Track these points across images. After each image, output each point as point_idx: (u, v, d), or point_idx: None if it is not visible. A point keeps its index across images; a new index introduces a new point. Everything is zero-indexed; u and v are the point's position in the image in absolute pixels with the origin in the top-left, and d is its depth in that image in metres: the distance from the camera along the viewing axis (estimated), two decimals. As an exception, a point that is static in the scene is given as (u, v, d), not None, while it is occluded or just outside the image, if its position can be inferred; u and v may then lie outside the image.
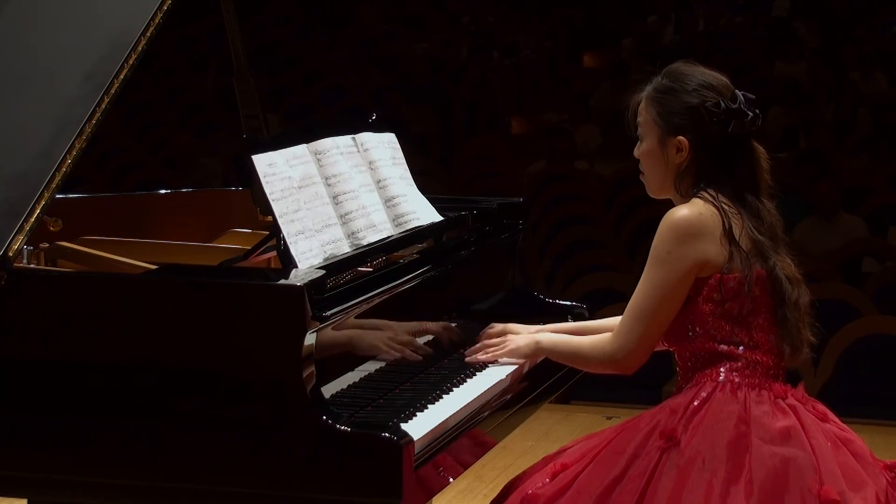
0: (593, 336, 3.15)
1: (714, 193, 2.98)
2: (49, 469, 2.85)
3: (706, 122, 2.99)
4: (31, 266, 3.39)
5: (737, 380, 2.93)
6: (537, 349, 3.24)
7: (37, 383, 2.85)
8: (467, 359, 3.30)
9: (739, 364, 2.94)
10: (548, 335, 3.27)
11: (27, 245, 3.18)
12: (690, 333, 2.97)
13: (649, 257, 2.97)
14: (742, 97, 3.03)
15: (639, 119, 3.10)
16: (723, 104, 3.00)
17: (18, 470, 2.88)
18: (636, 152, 3.11)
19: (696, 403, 2.91)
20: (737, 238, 2.94)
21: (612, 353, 3.02)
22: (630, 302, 3.00)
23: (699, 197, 2.99)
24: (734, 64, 11.36)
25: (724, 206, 2.97)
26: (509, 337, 3.31)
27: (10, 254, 2.90)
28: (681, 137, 3.01)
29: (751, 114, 3.01)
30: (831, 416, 3.01)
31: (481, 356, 3.30)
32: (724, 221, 2.94)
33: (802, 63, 11.04)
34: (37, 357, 2.87)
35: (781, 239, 3.04)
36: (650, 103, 3.07)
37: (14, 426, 2.87)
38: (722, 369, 2.94)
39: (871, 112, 9.96)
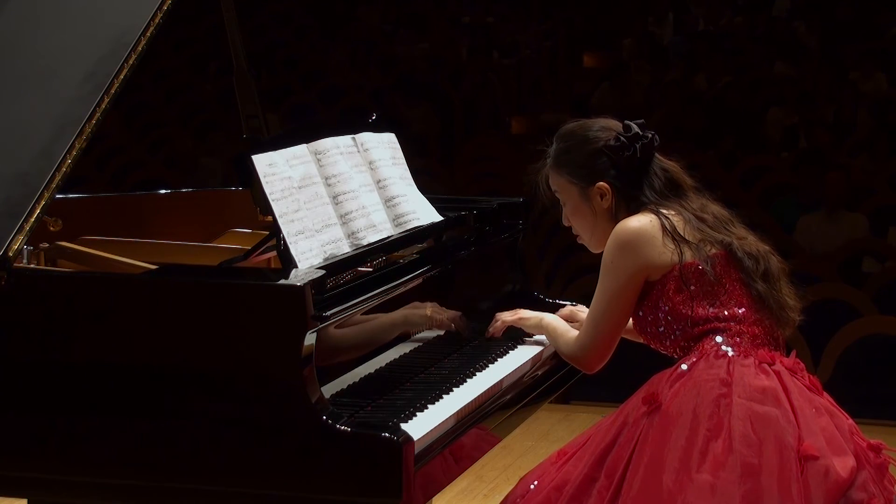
0: (573, 333, 3.29)
1: (654, 207, 3.12)
2: (49, 469, 2.85)
3: (616, 158, 3.16)
4: (31, 266, 3.39)
5: (722, 348, 3.00)
6: (540, 324, 3.42)
7: (37, 383, 2.85)
8: (489, 331, 3.50)
9: (725, 335, 3.02)
10: (552, 317, 3.44)
11: (27, 245, 3.18)
12: (676, 328, 3.06)
13: (600, 268, 3.12)
14: (633, 124, 3.19)
15: (554, 190, 3.28)
16: (621, 137, 3.16)
17: (18, 470, 2.88)
18: (564, 221, 3.30)
19: (682, 369, 3.00)
20: (682, 233, 3.06)
21: (574, 351, 3.23)
22: (589, 308, 3.18)
23: (642, 211, 3.12)
24: (734, 64, 11.37)
25: (662, 212, 3.10)
26: (520, 310, 3.52)
27: (10, 254, 2.90)
28: (600, 183, 3.17)
29: (649, 135, 3.17)
30: (825, 394, 3.07)
31: (496, 324, 3.50)
32: (663, 224, 3.06)
33: (802, 63, 11.04)
34: (37, 357, 2.87)
35: (732, 219, 3.17)
36: (558, 171, 3.25)
37: (14, 426, 2.87)
38: (707, 344, 3.02)
39: (871, 112, 9.95)
